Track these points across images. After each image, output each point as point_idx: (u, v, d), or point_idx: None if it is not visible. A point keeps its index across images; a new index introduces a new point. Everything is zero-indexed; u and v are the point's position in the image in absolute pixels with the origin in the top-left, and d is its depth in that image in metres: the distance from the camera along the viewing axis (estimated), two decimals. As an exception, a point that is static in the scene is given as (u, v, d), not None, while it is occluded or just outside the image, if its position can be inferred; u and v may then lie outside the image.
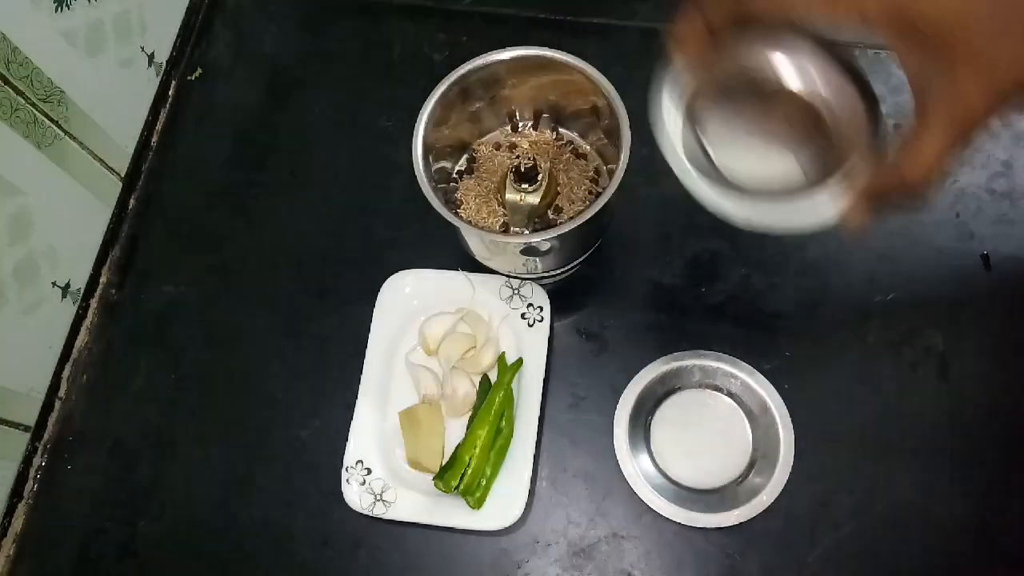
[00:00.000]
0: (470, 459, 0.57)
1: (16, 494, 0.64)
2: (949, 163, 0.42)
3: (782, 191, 0.46)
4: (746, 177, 0.47)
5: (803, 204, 0.45)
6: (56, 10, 0.62)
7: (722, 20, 0.45)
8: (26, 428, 0.65)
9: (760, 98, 0.47)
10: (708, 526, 0.57)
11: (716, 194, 0.46)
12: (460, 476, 0.57)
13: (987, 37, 0.39)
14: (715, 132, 0.47)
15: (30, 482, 0.64)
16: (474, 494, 0.57)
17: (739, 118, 0.47)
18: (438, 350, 0.63)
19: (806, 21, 0.43)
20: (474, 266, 0.63)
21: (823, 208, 0.45)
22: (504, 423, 0.59)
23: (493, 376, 0.62)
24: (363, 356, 0.62)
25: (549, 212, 0.62)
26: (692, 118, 0.48)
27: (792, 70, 0.47)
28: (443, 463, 0.59)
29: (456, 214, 0.60)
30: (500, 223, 0.63)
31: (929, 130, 0.42)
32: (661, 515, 0.57)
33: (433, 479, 0.58)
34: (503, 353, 0.62)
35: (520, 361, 0.61)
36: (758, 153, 0.47)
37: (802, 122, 0.47)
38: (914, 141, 0.42)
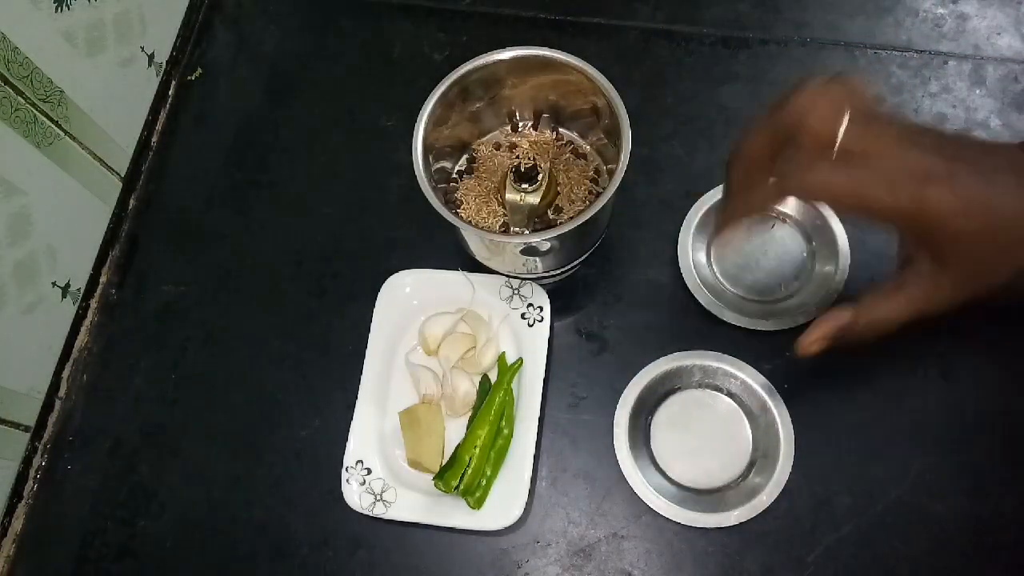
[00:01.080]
0: (470, 459, 0.57)
1: (16, 494, 0.64)
2: (896, 327, 0.49)
3: (765, 301, 0.62)
4: (742, 290, 0.63)
5: (778, 313, 0.61)
6: (56, 10, 0.62)
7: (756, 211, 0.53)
8: (26, 428, 0.65)
9: (758, 231, 0.64)
10: (708, 526, 0.57)
11: (717, 305, 0.62)
12: (460, 476, 0.57)
13: (978, 263, 0.46)
14: (724, 259, 0.64)
15: (30, 482, 0.64)
16: (474, 494, 0.57)
17: (745, 246, 0.64)
18: (438, 350, 0.63)
19: (842, 213, 0.53)
20: (474, 266, 0.63)
21: (792, 317, 0.61)
22: (504, 423, 0.59)
23: (493, 376, 0.62)
24: (363, 356, 0.62)
25: (549, 212, 0.62)
26: (709, 249, 0.64)
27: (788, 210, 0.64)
28: (443, 463, 0.59)
29: (456, 214, 0.60)
30: (500, 223, 0.63)
31: (896, 298, 0.49)
32: (661, 515, 0.57)
33: (433, 479, 0.58)
34: (503, 353, 0.62)
35: (520, 361, 0.61)
36: (752, 271, 0.63)
37: (789, 248, 0.63)
38: (882, 300, 0.50)
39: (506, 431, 0.59)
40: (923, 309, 0.48)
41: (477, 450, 0.58)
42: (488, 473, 0.58)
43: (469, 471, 0.57)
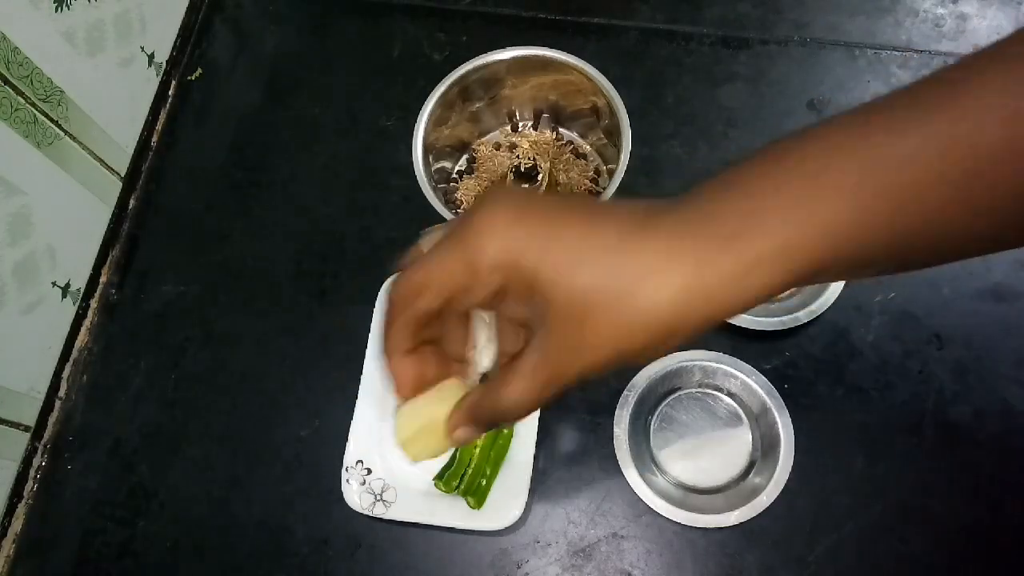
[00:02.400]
0: (470, 459, 0.57)
1: (16, 494, 0.64)
2: (532, 405, 0.41)
3: None
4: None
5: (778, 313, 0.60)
6: (56, 10, 0.62)
7: None
8: (26, 428, 0.65)
9: None
10: (708, 526, 0.57)
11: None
12: (460, 476, 0.57)
13: (573, 323, 0.38)
14: None
15: (30, 482, 0.64)
16: (474, 494, 0.57)
17: None
18: (438, 350, 0.63)
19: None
20: (474, 266, 0.63)
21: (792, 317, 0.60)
22: (504, 423, 0.59)
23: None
24: (363, 356, 0.62)
25: (549, 212, 0.62)
26: None
27: None
28: (422, 440, 0.57)
29: (456, 214, 0.60)
30: (500, 223, 0.63)
31: (515, 384, 0.41)
32: (661, 515, 0.57)
33: (433, 479, 0.58)
34: (503, 353, 0.62)
35: (520, 361, 0.61)
36: None
37: None
38: (501, 387, 0.41)
39: (506, 431, 0.59)
40: (546, 378, 0.41)
41: (477, 450, 0.58)
42: (488, 473, 0.58)
43: (469, 471, 0.57)
